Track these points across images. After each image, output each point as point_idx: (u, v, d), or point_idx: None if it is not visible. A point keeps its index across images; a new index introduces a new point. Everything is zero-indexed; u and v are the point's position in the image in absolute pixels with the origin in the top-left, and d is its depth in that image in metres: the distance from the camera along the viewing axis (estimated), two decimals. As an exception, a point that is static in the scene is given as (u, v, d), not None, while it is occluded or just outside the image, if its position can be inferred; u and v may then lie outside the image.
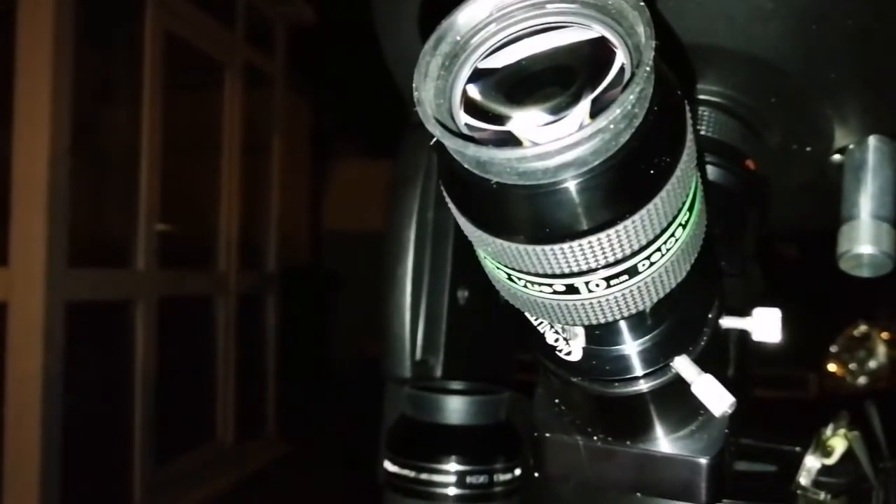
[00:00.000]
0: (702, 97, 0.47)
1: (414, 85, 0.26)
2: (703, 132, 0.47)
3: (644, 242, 0.27)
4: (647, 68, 0.24)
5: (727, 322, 0.37)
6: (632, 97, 0.24)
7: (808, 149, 0.50)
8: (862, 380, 2.10)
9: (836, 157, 0.51)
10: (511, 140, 0.27)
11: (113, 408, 2.62)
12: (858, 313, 2.13)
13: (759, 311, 0.37)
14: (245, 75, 3.43)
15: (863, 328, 2.13)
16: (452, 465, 0.51)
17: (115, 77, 2.73)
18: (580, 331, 0.34)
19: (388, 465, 0.52)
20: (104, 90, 2.68)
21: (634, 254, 0.28)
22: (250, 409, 3.53)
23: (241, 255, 3.42)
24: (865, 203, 0.49)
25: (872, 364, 2.08)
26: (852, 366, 2.09)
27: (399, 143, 0.63)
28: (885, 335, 2.12)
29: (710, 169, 0.45)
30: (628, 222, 0.26)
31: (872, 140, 0.49)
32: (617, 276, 0.28)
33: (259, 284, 3.64)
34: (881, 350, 2.10)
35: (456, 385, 0.55)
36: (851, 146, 0.50)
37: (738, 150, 0.47)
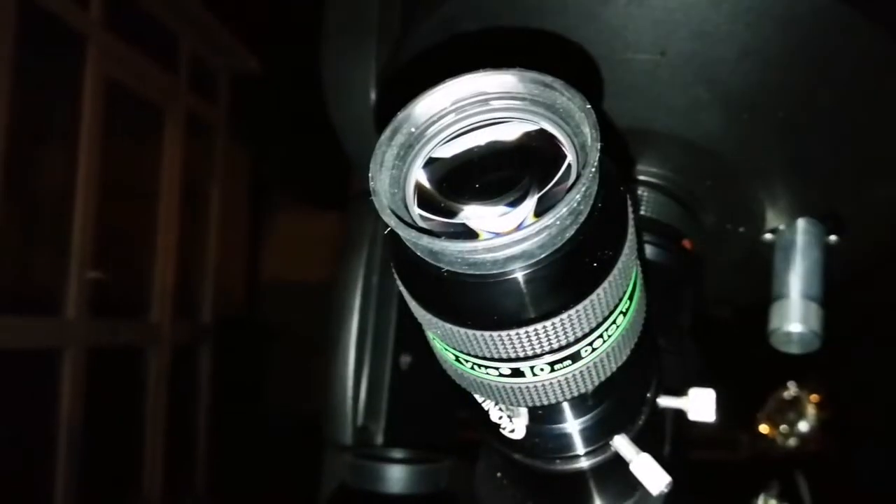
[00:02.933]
0: (642, 178, 0.49)
1: (370, 175, 0.27)
2: (642, 212, 0.49)
3: (587, 330, 0.28)
4: (593, 169, 0.25)
5: (664, 401, 0.38)
6: (577, 196, 0.25)
7: (742, 229, 0.53)
8: (792, 441, 2.14)
9: (769, 236, 0.54)
10: (464, 229, 0.27)
11: (34, 463, 2.51)
12: (789, 374, 2.19)
13: (694, 392, 0.38)
14: (186, 123, 3.41)
15: (793, 391, 2.18)
16: (392, 536, 0.51)
17: (53, 121, 2.69)
18: (524, 410, 0.35)
19: (327, 536, 0.52)
20: (40, 134, 2.63)
21: (578, 340, 0.29)
22: (180, 464, 3.43)
23: (176, 304, 3.36)
24: (795, 283, 0.51)
25: (802, 426, 2.13)
26: (783, 428, 2.13)
27: (347, 208, 0.64)
28: (814, 398, 2.18)
29: (648, 248, 0.47)
30: (572, 311, 0.27)
31: (801, 223, 0.52)
32: (561, 360, 0.29)
33: (193, 335, 3.56)
34: (811, 413, 2.15)
35: (397, 453, 0.55)
36: (782, 227, 0.53)
37: (676, 229, 0.49)
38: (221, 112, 3.78)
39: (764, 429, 2.16)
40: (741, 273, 0.57)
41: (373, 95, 0.60)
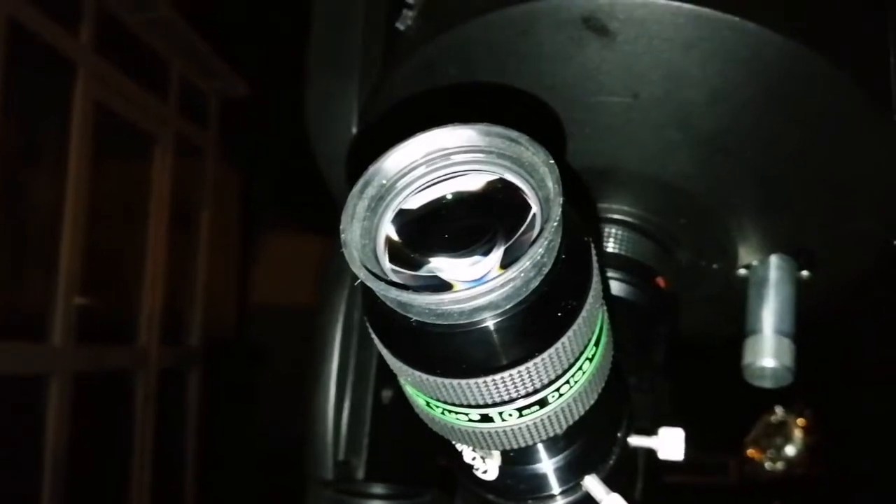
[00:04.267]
0: (615, 217, 0.50)
1: (341, 227, 0.28)
2: (615, 250, 0.50)
3: (553, 377, 0.29)
4: (555, 223, 0.26)
5: (635, 441, 0.39)
6: (541, 250, 0.26)
7: (716, 265, 0.54)
8: (780, 465, 2.15)
9: (742, 271, 0.55)
10: (437, 280, 0.28)
11: (20, 489, 2.49)
12: (776, 399, 2.20)
13: (664, 431, 0.39)
14: (176, 146, 3.41)
15: (779, 414, 2.19)
16: (372, 572, 0.51)
17: (42, 145, 2.69)
18: (496, 451, 0.36)
19: (307, 572, 0.52)
20: (29, 158, 2.63)
21: (544, 387, 0.29)
22: (168, 489, 3.40)
23: (164, 328, 3.35)
24: (768, 318, 0.52)
25: (789, 450, 2.13)
26: (770, 452, 2.14)
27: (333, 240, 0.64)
28: (801, 421, 2.18)
29: (621, 286, 0.48)
30: (538, 360, 0.28)
31: (774, 259, 0.53)
32: (528, 406, 0.30)
33: (182, 359, 3.55)
34: (798, 436, 2.16)
35: (378, 488, 0.56)
36: (755, 263, 0.54)
37: (649, 267, 0.50)
38: (211, 135, 3.79)
39: (751, 453, 2.16)
40: (716, 308, 0.58)
41: (354, 131, 0.61)
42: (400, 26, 0.53)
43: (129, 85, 3.05)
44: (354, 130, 0.61)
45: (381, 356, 0.64)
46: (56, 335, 2.60)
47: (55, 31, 2.47)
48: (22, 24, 2.27)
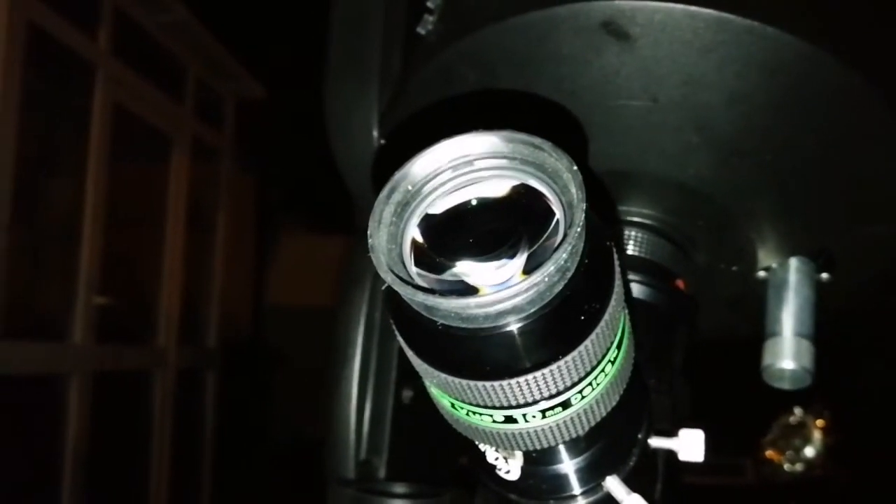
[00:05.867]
0: (634, 219, 0.51)
1: (368, 232, 0.28)
2: (635, 252, 0.50)
3: (576, 379, 0.30)
4: (579, 228, 0.27)
5: (655, 442, 0.39)
6: (564, 255, 0.26)
7: (735, 268, 0.54)
8: (798, 467, 2.14)
9: (762, 273, 0.55)
10: (462, 284, 0.29)
11: (40, 487, 2.52)
12: (794, 399, 2.19)
13: (684, 433, 0.39)
14: (192, 149, 3.44)
15: (798, 415, 2.18)
16: (394, 570, 0.51)
17: (61, 147, 2.71)
18: (518, 452, 0.36)
19: (330, 570, 0.53)
20: (49, 160, 2.66)
21: (567, 389, 0.30)
22: (185, 489, 3.42)
23: (182, 329, 3.37)
24: (787, 320, 0.52)
25: (808, 452, 2.12)
26: (788, 453, 2.13)
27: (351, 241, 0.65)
28: (819, 422, 2.17)
29: (640, 288, 0.48)
30: (561, 363, 0.29)
31: (794, 261, 0.53)
32: (552, 408, 0.30)
33: (199, 360, 3.57)
34: (816, 437, 2.15)
35: (399, 487, 0.56)
36: (774, 265, 0.54)
37: (668, 269, 0.50)
38: (227, 138, 3.82)
39: (770, 454, 2.16)
40: (735, 310, 0.58)
41: (375, 135, 0.61)
42: (420, 31, 0.53)
43: (147, 87, 3.07)
44: (375, 134, 0.61)
45: (401, 356, 0.65)
46: (76, 334, 2.62)
47: (74, 34, 2.50)
48: (41, 28, 2.30)
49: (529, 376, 0.28)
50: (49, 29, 2.35)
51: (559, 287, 0.27)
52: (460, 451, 0.41)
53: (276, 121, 4.12)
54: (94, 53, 2.64)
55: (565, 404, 0.30)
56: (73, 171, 2.69)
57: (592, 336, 0.29)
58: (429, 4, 0.53)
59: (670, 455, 0.41)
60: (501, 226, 0.30)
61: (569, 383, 0.29)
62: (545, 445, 0.32)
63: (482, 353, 0.28)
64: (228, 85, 3.73)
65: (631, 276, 0.48)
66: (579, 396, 0.30)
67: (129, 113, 2.94)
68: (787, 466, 2.14)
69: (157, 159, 3.36)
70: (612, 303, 0.29)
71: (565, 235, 0.27)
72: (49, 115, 2.60)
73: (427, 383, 0.32)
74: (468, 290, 0.29)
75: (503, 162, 0.30)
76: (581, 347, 0.29)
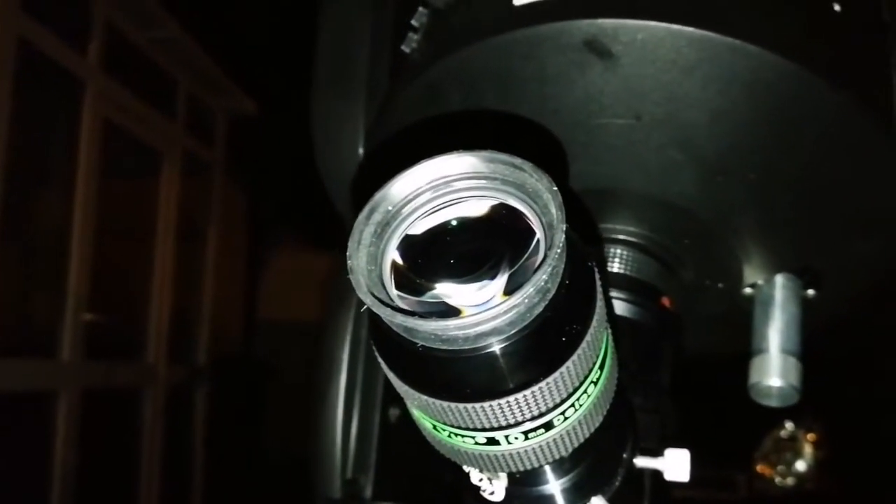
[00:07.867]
0: (619, 237, 0.51)
1: (348, 253, 0.28)
2: (620, 270, 0.50)
3: (558, 400, 0.29)
4: (559, 249, 0.26)
5: (641, 462, 0.39)
6: (544, 276, 0.26)
7: (721, 285, 0.54)
8: (790, 481, 2.14)
9: (748, 290, 0.55)
10: (444, 305, 0.29)
11: (27, 506, 2.49)
12: (785, 413, 2.19)
13: (670, 452, 0.39)
14: (183, 164, 3.43)
15: (789, 429, 2.18)
16: (379, 592, 0.51)
17: (50, 163, 2.70)
18: (503, 473, 0.36)
19: (315, 592, 0.52)
20: (38, 176, 2.65)
21: (550, 410, 0.30)
22: (175, 506, 3.40)
23: (172, 345, 3.35)
24: (774, 337, 0.52)
25: (800, 466, 2.12)
26: (780, 467, 2.13)
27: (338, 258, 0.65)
28: (811, 436, 2.17)
29: (626, 306, 0.48)
30: (542, 384, 0.28)
31: (779, 278, 0.53)
32: (534, 430, 0.30)
33: (189, 376, 3.55)
34: (808, 451, 2.15)
35: (385, 508, 0.56)
36: (760, 282, 0.54)
37: (654, 287, 0.50)
38: (219, 153, 3.81)
39: (761, 468, 2.15)
40: (722, 326, 0.58)
41: (360, 152, 0.61)
42: (405, 49, 0.53)
43: (138, 103, 3.07)
44: (361, 151, 0.61)
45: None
46: (65, 351, 2.61)
47: (64, 49, 2.49)
48: (31, 43, 2.29)
49: (511, 398, 0.28)
50: (39, 44, 2.35)
51: (540, 308, 0.27)
52: (446, 471, 0.40)
53: (267, 136, 4.12)
54: (84, 69, 2.63)
55: (548, 426, 0.30)
56: (62, 187, 2.68)
57: (574, 357, 0.28)
58: (413, 23, 0.53)
59: (657, 474, 0.41)
60: (482, 246, 0.30)
61: (551, 405, 0.29)
62: (528, 467, 0.32)
63: (463, 375, 0.28)
64: (220, 100, 3.74)
65: (616, 294, 0.48)
66: (562, 418, 0.30)
67: (120, 128, 2.94)
68: (778, 480, 2.13)
69: (147, 174, 3.35)
70: (594, 323, 0.29)
71: (545, 256, 0.27)
72: (39, 130, 2.60)
73: (409, 405, 0.32)
74: (449, 312, 0.29)
75: (483, 182, 0.30)
76: (563, 368, 0.28)
